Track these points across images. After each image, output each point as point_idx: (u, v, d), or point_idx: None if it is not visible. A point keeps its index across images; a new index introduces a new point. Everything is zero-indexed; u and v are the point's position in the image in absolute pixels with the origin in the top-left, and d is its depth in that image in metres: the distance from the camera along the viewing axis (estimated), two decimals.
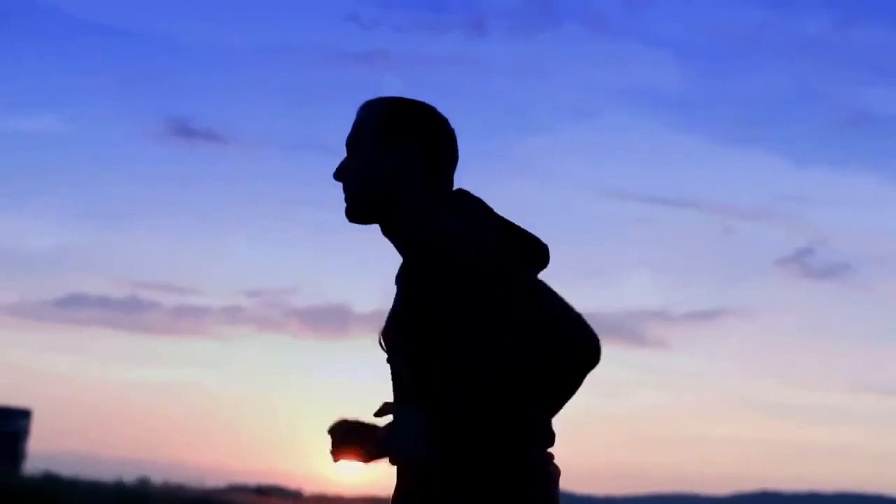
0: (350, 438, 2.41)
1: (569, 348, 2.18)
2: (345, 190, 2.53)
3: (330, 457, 2.45)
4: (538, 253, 2.45)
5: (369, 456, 2.42)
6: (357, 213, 2.52)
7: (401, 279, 2.42)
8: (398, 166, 2.48)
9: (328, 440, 2.45)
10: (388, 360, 2.47)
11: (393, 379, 2.47)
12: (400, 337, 2.38)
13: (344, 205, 2.53)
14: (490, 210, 2.46)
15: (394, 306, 2.44)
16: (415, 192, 2.47)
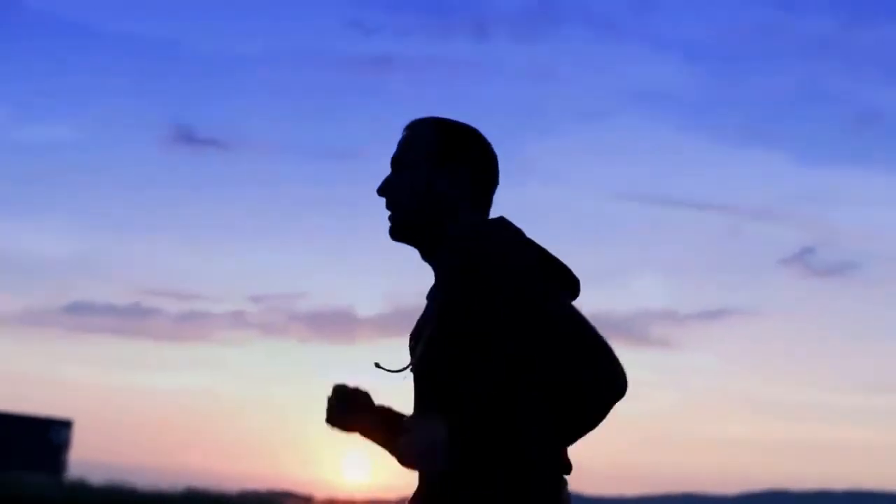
0: (350, 406, 2.42)
1: (601, 384, 2.19)
2: (390, 207, 2.45)
3: (330, 426, 2.46)
4: (570, 283, 2.37)
5: (369, 427, 2.44)
6: (403, 232, 2.44)
7: (434, 296, 2.39)
8: (450, 189, 2.41)
9: (328, 406, 2.45)
10: (413, 370, 2.41)
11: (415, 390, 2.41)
12: (428, 352, 2.33)
13: (388, 223, 2.45)
14: (527, 238, 2.38)
15: (424, 320, 2.41)
16: (462, 214, 2.41)
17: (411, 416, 2.36)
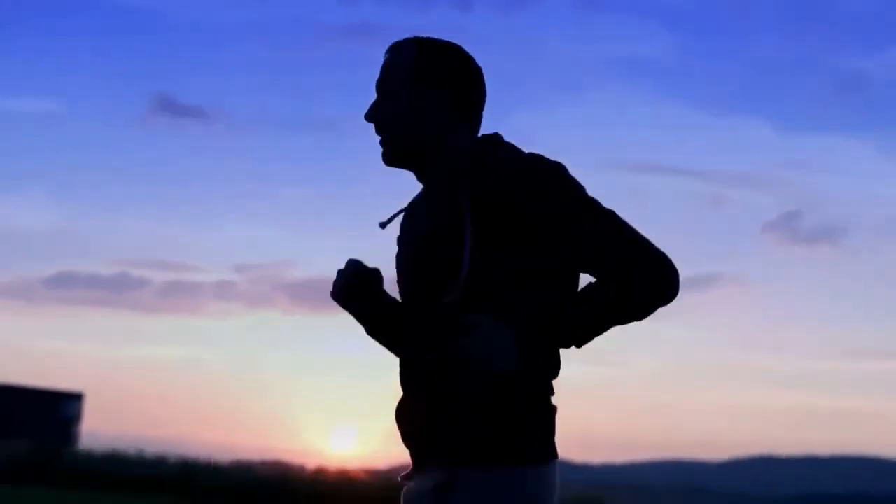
0: (361, 285, 2.38)
1: (662, 277, 2.19)
2: (380, 132, 2.39)
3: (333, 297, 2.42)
4: None
5: (371, 313, 2.42)
6: (396, 156, 2.39)
7: (432, 203, 2.34)
8: (435, 107, 2.35)
9: (337, 280, 2.41)
10: (408, 288, 2.37)
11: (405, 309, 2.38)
12: (440, 257, 2.27)
13: (380, 148, 2.39)
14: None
15: (419, 232, 2.36)
16: (452, 132, 2.35)
17: (472, 315, 2.20)
